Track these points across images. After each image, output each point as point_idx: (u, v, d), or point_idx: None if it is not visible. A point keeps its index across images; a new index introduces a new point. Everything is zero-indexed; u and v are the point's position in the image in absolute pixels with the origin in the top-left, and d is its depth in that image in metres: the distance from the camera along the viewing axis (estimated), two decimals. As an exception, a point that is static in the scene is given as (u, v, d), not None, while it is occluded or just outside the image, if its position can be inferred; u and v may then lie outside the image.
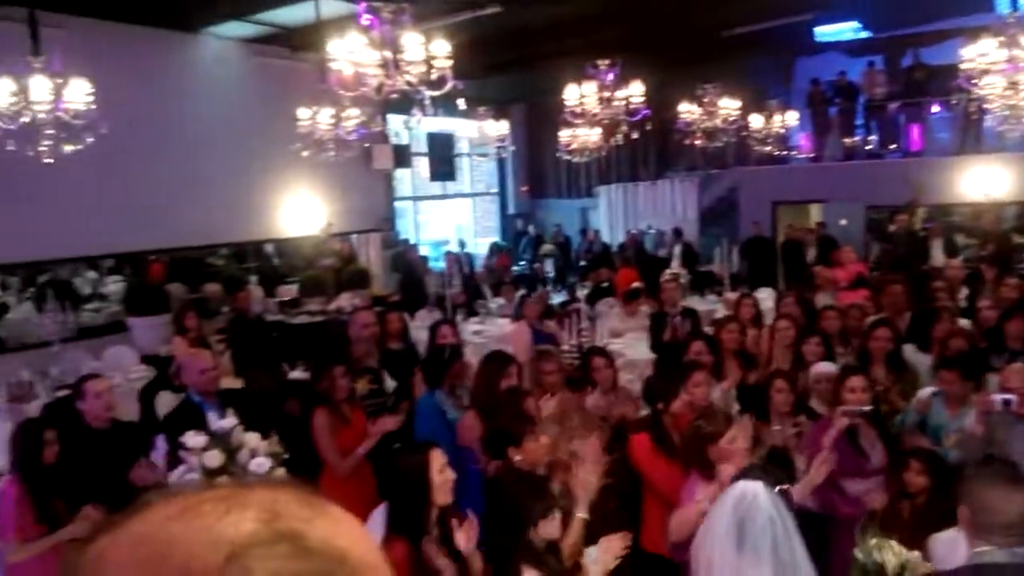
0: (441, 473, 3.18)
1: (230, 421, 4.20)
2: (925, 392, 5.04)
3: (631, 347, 8.00)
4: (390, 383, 5.69)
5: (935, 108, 13.30)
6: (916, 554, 2.67)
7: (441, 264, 12.15)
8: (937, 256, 10.78)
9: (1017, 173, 12.35)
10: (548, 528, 3.16)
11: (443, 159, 14.75)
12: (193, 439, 4.04)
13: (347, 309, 8.95)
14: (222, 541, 0.61)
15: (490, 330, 9.25)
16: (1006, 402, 4.31)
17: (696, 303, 9.45)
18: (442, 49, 5.87)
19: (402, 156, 13.06)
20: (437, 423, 4.99)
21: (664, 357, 6.68)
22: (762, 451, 4.65)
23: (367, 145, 10.82)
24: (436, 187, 15.77)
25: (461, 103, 7.05)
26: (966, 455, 4.33)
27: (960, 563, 2.42)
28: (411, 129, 10.99)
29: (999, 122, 8.83)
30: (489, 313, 10.27)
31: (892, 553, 2.67)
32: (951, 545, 3.35)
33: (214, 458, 4.02)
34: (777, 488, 2.74)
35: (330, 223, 11.33)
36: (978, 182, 12.53)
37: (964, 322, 6.60)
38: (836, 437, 4.32)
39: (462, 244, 14.51)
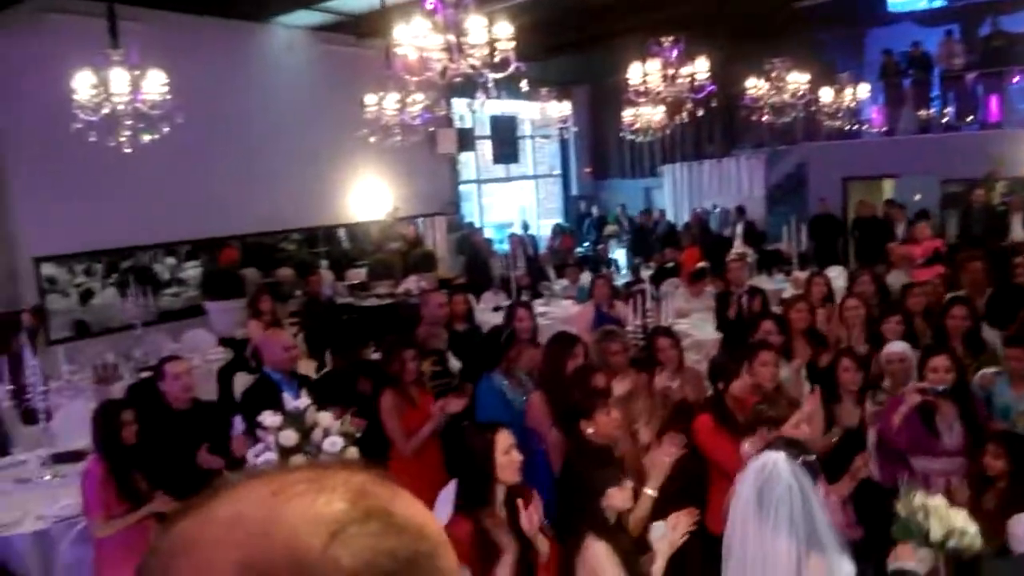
0: (507, 454, 3.24)
1: (304, 401, 4.34)
2: (989, 370, 4.94)
3: (697, 327, 7.94)
4: (455, 364, 5.78)
5: (1015, 78, 12.73)
6: (964, 515, 2.58)
7: (505, 246, 12.19)
8: (1018, 231, 10.38)
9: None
10: (618, 498, 3.19)
11: (506, 142, 14.77)
12: (270, 418, 4.19)
13: (414, 292, 9.10)
14: (322, 520, 0.63)
15: (555, 312, 9.27)
16: None
17: (763, 283, 9.30)
18: (505, 31, 5.87)
19: (466, 140, 13.12)
20: (497, 405, 5.08)
21: (730, 336, 6.70)
22: (837, 431, 4.67)
23: (432, 129, 10.92)
24: (500, 170, 15.82)
25: (524, 85, 7.03)
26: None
27: None
28: (475, 112, 11.04)
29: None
30: (553, 295, 10.29)
31: (938, 520, 2.56)
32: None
33: (290, 437, 4.16)
34: (801, 459, 2.72)
35: (396, 207, 11.51)
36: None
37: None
38: (907, 414, 4.29)
39: (526, 226, 14.53)
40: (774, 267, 10.88)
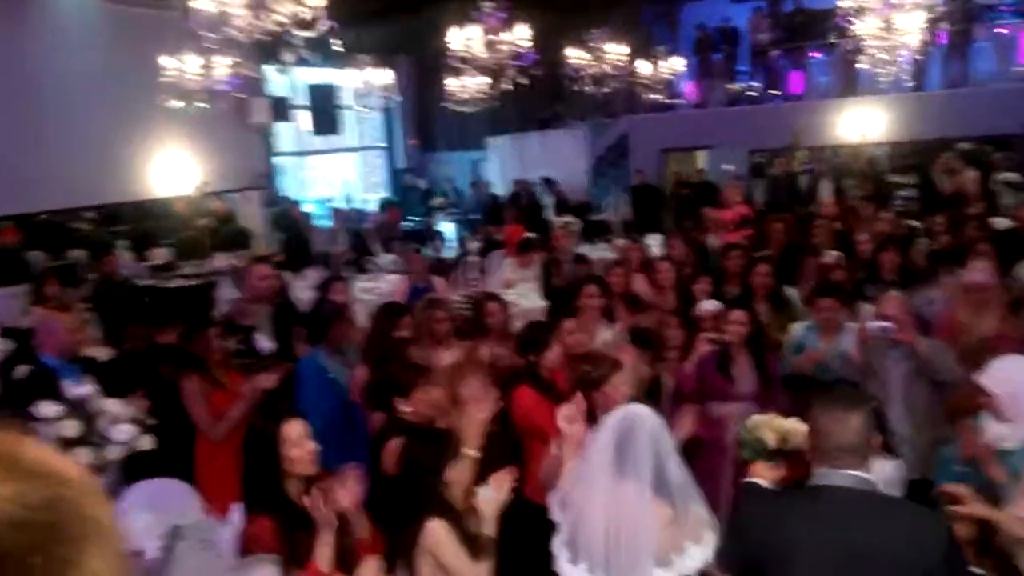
0: (298, 446, 2.96)
1: (87, 388, 3.84)
2: (798, 327, 5.22)
3: (525, 297, 7.86)
4: (265, 343, 5.35)
5: (815, 53, 13.61)
6: (792, 421, 2.77)
7: (328, 222, 11.67)
8: (825, 196, 11.10)
9: (892, 114, 12.78)
10: (454, 474, 3.07)
11: (326, 112, 14.08)
12: (46, 408, 3.68)
13: (225, 270, 8.45)
14: None
15: (380, 287, 8.93)
16: (883, 330, 4.46)
17: (588, 252, 9.44)
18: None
19: (280, 109, 12.40)
20: (320, 384, 4.79)
21: (556, 303, 6.62)
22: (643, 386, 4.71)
23: (242, 97, 10.18)
24: (320, 142, 15.10)
25: (338, 45, 6.62)
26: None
27: None
28: (284, 72, 10.38)
29: (874, 64, 9.03)
30: (379, 270, 9.94)
31: (771, 428, 2.77)
32: None
33: (70, 428, 3.68)
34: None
35: (205, 181, 10.66)
36: (856, 124, 12.93)
37: (835, 254, 6.77)
38: (704, 362, 4.62)
39: (348, 200, 14.00)
40: (598, 236, 11.02)
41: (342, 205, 13.54)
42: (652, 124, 14.16)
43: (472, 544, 3.02)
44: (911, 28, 8.11)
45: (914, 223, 8.54)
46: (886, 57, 8.70)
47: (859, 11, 8.20)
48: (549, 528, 2.92)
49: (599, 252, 9.76)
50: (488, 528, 3.06)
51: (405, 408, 3.72)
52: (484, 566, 3.02)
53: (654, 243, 8.83)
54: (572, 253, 7.97)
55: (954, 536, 2.39)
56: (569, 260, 7.65)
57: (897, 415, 4.41)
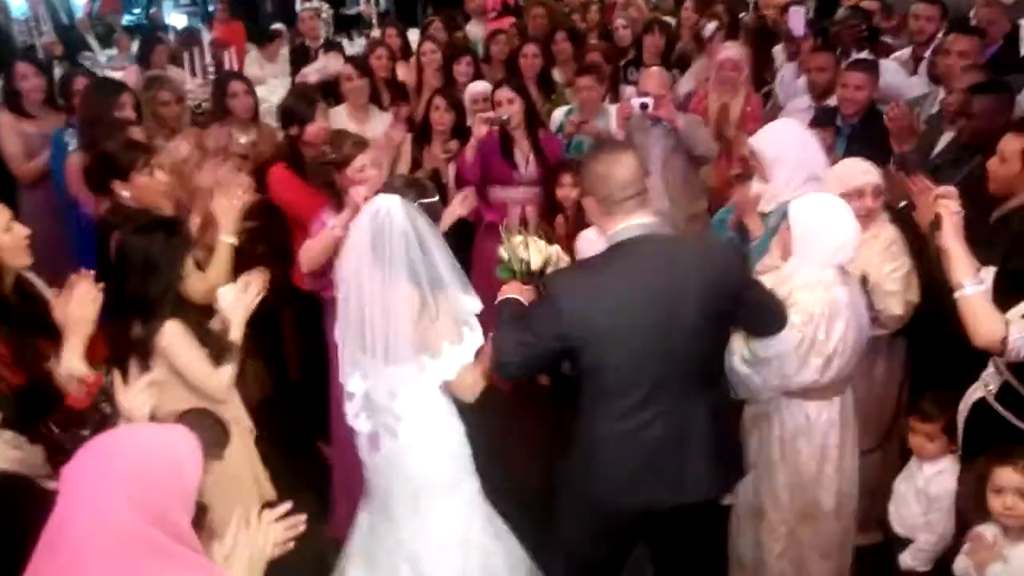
0: (7, 232, 2.57)
1: None
2: (558, 113, 5.22)
3: (274, 93, 7.14)
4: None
5: None
6: (556, 247, 2.75)
7: (25, 9, 9.74)
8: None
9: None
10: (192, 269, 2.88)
11: None
12: None
13: None
14: None
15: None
16: (643, 106, 4.47)
17: (345, 47, 8.79)
18: None
19: None
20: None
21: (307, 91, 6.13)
22: (427, 171, 4.64)
23: None
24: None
25: None
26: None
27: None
28: None
29: None
30: (97, 65, 8.55)
31: (536, 249, 2.68)
32: (592, 241, 3.38)
33: None
34: (418, 202, 2.67)
35: None
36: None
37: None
38: (484, 147, 4.49)
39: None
40: (353, 29, 10.13)
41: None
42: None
43: (214, 348, 2.78)
44: None
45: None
46: None
47: None
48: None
49: (356, 48, 9.07)
50: (234, 332, 2.85)
51: (124, 193, 3.37)
52: (226, 372, 2.79)
53: (413, 36, 8.30)
54: (322, 39, 7.30)
55: (746, 263, 2.57)
56: (319, 46, 6.99)
57: (656, 190, 4.42)
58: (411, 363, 2.56)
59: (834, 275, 2.72)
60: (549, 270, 2.66)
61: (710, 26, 6.10)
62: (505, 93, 4.57)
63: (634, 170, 2.36)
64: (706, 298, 2.34)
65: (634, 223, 2.37)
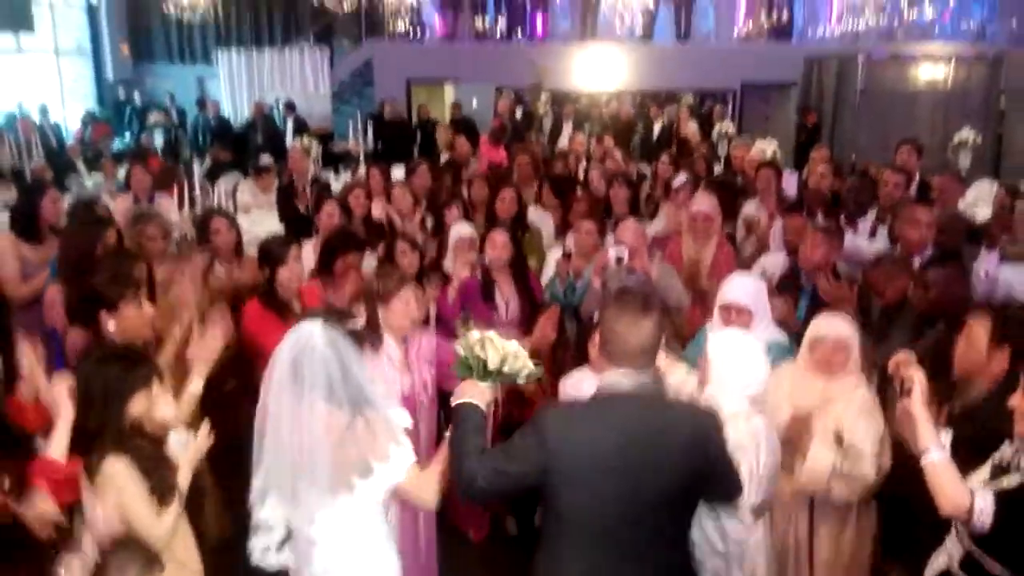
0: None
1: None
2: (553, 258, 5.27)
3: (260, 223, 7.29)
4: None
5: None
6: (515, 344, 2.67)
7: (16, 135, 9.94)
8: (567, 134, 11.38)
9: (632, 61, 13.33)
10: (140, 404, 2.73)
11: (14, 4, 11.87)
12: None
13: None
14: None
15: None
16: (618, 260, 4.57)
17: (332, 182, 9.07)
18: None
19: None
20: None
21: (292, 226, 6.28)
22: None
23: None
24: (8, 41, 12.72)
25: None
26: (588, 308, 4.66)
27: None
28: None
29: (611, 11, 9.26)
30: (84, 189, 8.68)
31: (493, 348, 2.62)
32: (577, 383, 3.54)
33: None
34: (344, 328, 2.62)
35: None
36: (593, 70, 13.34)
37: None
38: (462, 289, 4.58)
39: (44, 111, 12.04)
40: (341, 164, 10.45)
41: (36, 118, 11.61)
42: (398, 52, 13.64)
43: (160, 485, 2.72)
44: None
45: (643, 165, 8.98)
46: (621, 7, 8.94)
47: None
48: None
49: (343, 181, 9.30)
50: (181, 477, 2.81)
51: (111, 324, 3.36)
52: (166, 519, 2.72)
53: (399, 175, 8.55)
54: (310, 175, 7.51)
55: (723, 435, 2.53)
56: (307, 182, 7.18)
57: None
58: (335, 486, 2.52)
59: (749, 406, 2.86)
60: (506, 369, 2.61)
61: (680, 178, 6.41)
62: (500, 236, 4.71)
63: (653, 335, 2.44)
64: (682, 461, 2.40)
65: (632, 375, 2.44)
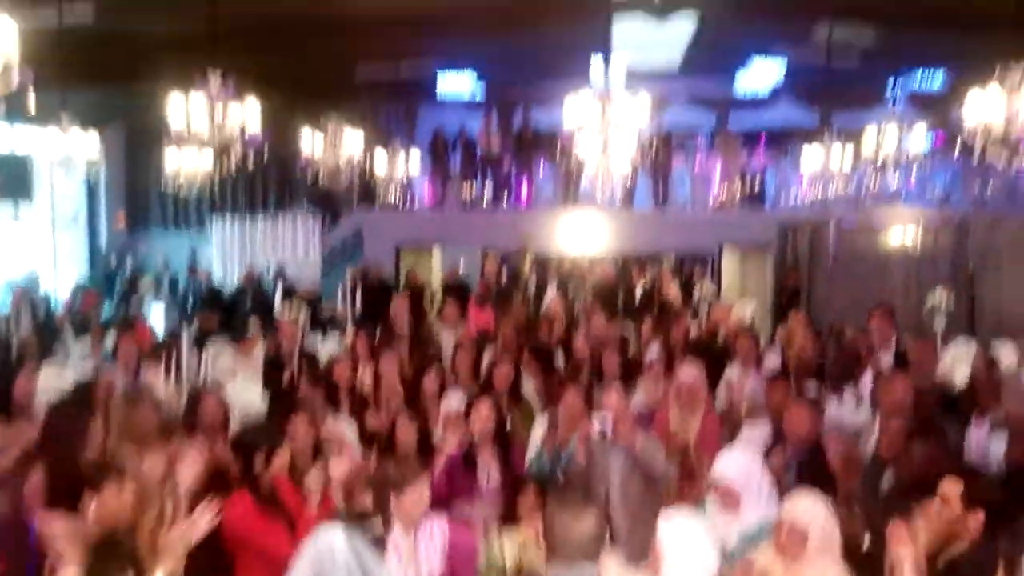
0: None
1: None
2: (538, 431, 5.29)
3: (244, 391, 7.23)
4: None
5: (541, 166, 14.54)
6: (521, 537, 2.92)
7: (5, 306, 10.07)
8: (551, 296, 11.61)
9: (613, 226, 13.85)
10: None
11: (15, 176, 12.27)
12: None
13: None
14: None
15: (70, 376, 7.73)
16: (602, 433, 4.63)
17: (319, 344, 9.10)
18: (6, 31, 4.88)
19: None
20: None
21: (276, 406, 6.06)
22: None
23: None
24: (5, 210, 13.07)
25: (31, 103, 5.72)
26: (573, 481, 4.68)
27: None
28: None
29: (592, 180, 9.67)
30: (71, 359, 8.67)
31: (509, 547, 2.91)
32: None
33: None
34: (368, 534, 2.80)
35: None
36: (576, 235, 13.80)
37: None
38: (448, 465, 4.59)
39: (35, 281, 12.20)
40: (329, 329, 10.54)
41: (27, 287, 11.76)
42: (387, 220, 14.14)
43: None
44: (624, 152, 8.74)
45: (627, 330, 9.12)
46: (601, 176, 9.34)
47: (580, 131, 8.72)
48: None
49: (330, 345, 9.37)
50: None
51: (92, 507, 3.32)
52: None
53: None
54: (298, 345, 7.54)
55: None
56: (296, 353, 7.19)
57: (615, 507, 4.45)
58: None
59: None
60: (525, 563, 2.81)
61: (654, 349, 6.51)
62: (484, 407, 4.77)
63: (592, 529, 2.48)
64: None
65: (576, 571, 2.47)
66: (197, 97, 7.59)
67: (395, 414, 5.13)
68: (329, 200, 14.25)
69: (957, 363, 6.95)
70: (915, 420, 3.92)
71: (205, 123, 7.82)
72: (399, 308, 8.87)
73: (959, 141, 6.70)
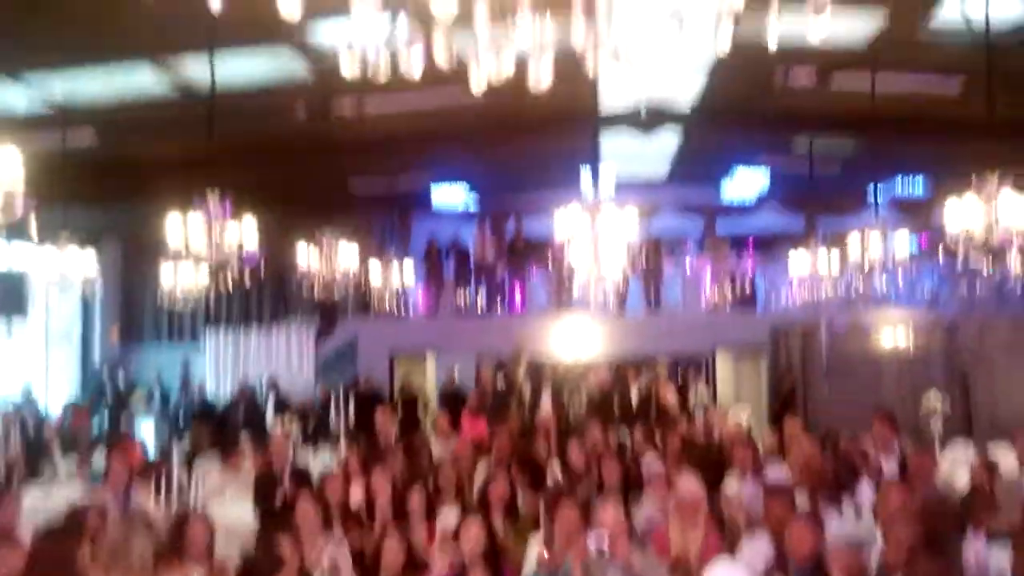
0: None
1: None
2: (532, 551, 5.11)
3: (234, 507, 7.09)
4: None
5: (534, 273, 14.70)
6: None
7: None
8: (546, 406, 11.55)
9: (607, 331, 13.91)
10: None
11: (10, 291, 12.29)
12: None
13: None
14: None
15: (57, 496, 7.57)
16: (600, 552, 4.47)
17: (311, 458, 9.01)
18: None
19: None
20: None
21: (269, 526, 6.07)
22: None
23: None
24: None
25: (32, 231, 5.85)
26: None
27: None
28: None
29: (584, 287, 9.78)
30: (57, 477, 8.54)
31: None
32: None
33: None
34: None
35: None
36: (573, 339, 13.86)
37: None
38: None
39: (28, 395, 12.09)
40: (321, 441, 10.44)
41: (19, 405, 11.65)
42: (382, 329, 14.17)
43: None
44: (614, 260, 8.87)
45: (623, 436, 9.05)
46: (593, 283, 9.46)
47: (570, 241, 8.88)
48: None
49: (322, 458, 9.26)
50: None
51: None
52: None
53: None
54: (289, 461, 7.47)
55: None
56: (286, 468, 7.13)
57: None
58: None
59: None
60: None
61: (650, 460, 6.44)
62: (474, 527, 4.72)
63: None
64: None
65: None
66: (195, 216, 7.73)
67: (382, 533, 5.02)
68: (324, 310, 14.32)
69: (956, 467, 6.90)
70: (922, 534, 3.84)
71: (203, 241, 7.93)
72: (384, 420, 8.81)
73: (943, 246, 6.81)
